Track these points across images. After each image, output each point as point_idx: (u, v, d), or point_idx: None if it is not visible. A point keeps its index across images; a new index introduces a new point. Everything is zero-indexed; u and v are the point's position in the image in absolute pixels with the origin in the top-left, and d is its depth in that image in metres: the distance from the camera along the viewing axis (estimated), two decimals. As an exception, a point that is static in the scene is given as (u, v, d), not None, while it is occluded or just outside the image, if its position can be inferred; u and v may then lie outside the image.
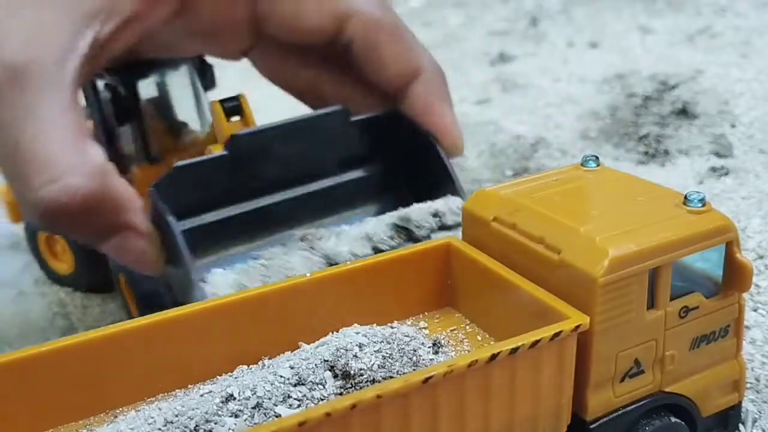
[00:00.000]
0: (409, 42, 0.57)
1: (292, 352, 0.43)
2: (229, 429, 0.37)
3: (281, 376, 0.39)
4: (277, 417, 0.37)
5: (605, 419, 0.41)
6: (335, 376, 0.40)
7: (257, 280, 0.47)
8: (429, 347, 0.43)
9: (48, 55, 0.45)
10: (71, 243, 0.70)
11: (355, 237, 0.51)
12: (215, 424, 0.37)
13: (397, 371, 0.40)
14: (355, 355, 0.40)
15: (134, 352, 0.41)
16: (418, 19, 1.49)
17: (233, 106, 0.58)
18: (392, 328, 0.44)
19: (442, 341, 0.44)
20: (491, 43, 1.34)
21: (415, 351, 0.41)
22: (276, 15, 0.56)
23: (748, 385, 0.50)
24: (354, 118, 0.56)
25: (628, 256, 0.39)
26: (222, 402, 0.38)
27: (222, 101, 0.58)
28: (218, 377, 0.43)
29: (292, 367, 0.40)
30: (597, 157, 0.49)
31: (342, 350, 0.40)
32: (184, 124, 0.68)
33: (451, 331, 0.46)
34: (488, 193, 0.48)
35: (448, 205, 0.54)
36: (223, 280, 0.47)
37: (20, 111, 0.44)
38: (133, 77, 0.62)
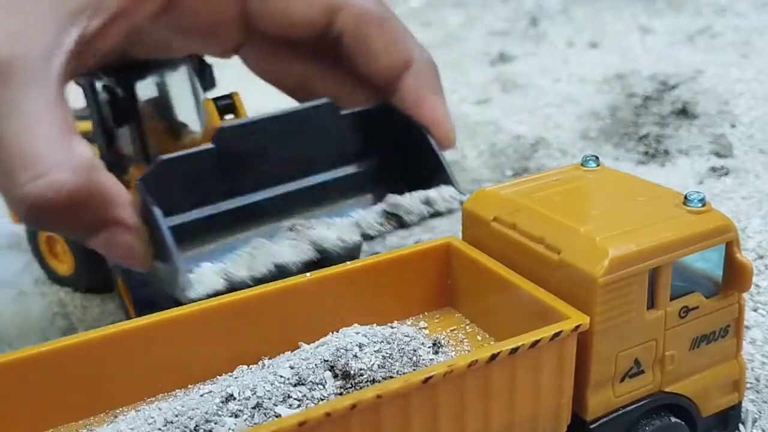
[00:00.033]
0: (400, 34, 0.57)
1: (292, 352, 0.43)
2: (229, 429, 0.37)
3: (281, 376, 0.39)
4: (277, 417, 0.37)
5: (605, 419, 0.41)
6: (335, 376, 0.40)
7: (243, 268, 0.47)
8: (429, 347, 0.43)
9: (33, 51, 0.45)
10: (71, 243, 0.70)
11: (344, 224, 0.51)
12: (215, 424, 0.37)
13: (397, 371, 0.40)
14: (355, 355, 0.40)
15: (134, 352, 0.41)
16: (418, 19, 1.49)
17: (226, 104, 0.58)
18: (392, 328, 0.44)
19: (442, 341, 0.44)
20: (491, 43, 1.34)
21: (415, 351, 0.41)
22: (266, 9, 0.55)
23: (748, 385, 0.50)
24: (344, 112, 0.56)
25: (628, 256, 0.39)
26: (222, 402, 0.38)
27: (215, 99, 0.58)
28: (218, 377, 0.43)
29: (292, 367, 0.40)
30: (597, 157, 0.49)
31: (342, 350, 0.40)
32: (184, 125, 0.67)
33: (451, 331, 0.46)
34: (488, 193, 0.48)
35: (439, 193, 0.53)
36: (208, 269, 0.46)
37: (4, 107, 0.44)
38: (131, 79, 0.61)
